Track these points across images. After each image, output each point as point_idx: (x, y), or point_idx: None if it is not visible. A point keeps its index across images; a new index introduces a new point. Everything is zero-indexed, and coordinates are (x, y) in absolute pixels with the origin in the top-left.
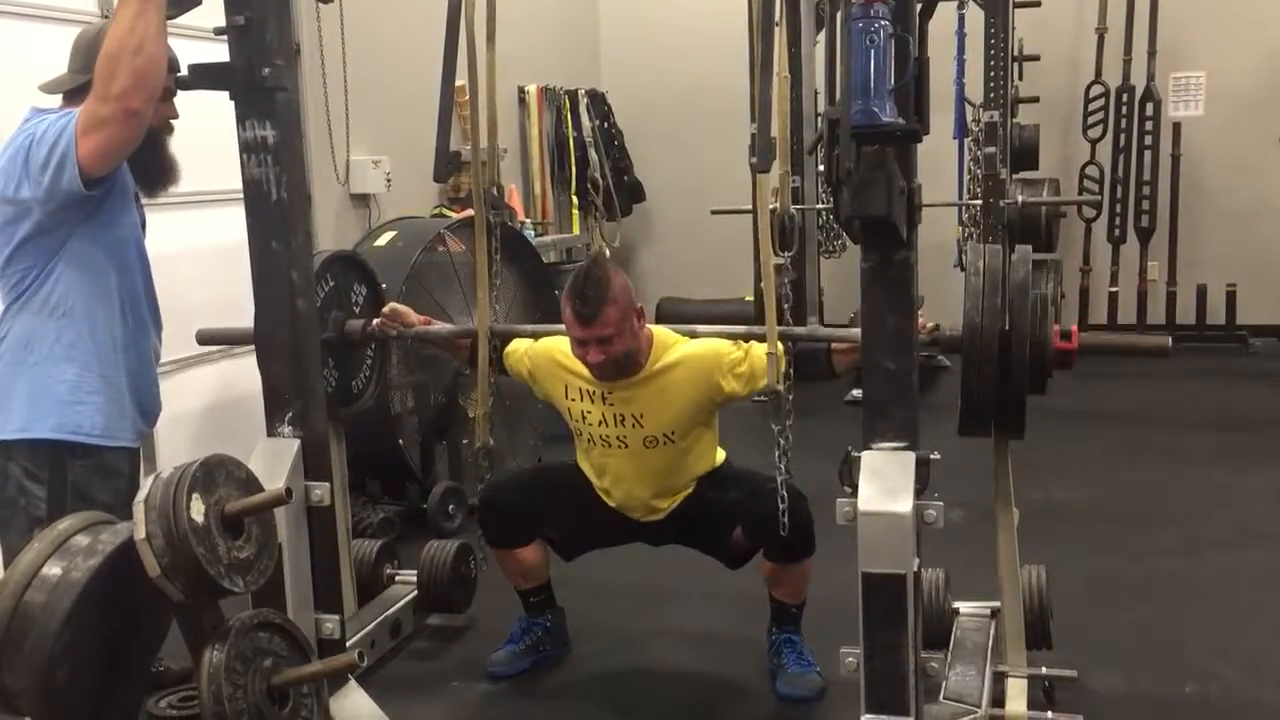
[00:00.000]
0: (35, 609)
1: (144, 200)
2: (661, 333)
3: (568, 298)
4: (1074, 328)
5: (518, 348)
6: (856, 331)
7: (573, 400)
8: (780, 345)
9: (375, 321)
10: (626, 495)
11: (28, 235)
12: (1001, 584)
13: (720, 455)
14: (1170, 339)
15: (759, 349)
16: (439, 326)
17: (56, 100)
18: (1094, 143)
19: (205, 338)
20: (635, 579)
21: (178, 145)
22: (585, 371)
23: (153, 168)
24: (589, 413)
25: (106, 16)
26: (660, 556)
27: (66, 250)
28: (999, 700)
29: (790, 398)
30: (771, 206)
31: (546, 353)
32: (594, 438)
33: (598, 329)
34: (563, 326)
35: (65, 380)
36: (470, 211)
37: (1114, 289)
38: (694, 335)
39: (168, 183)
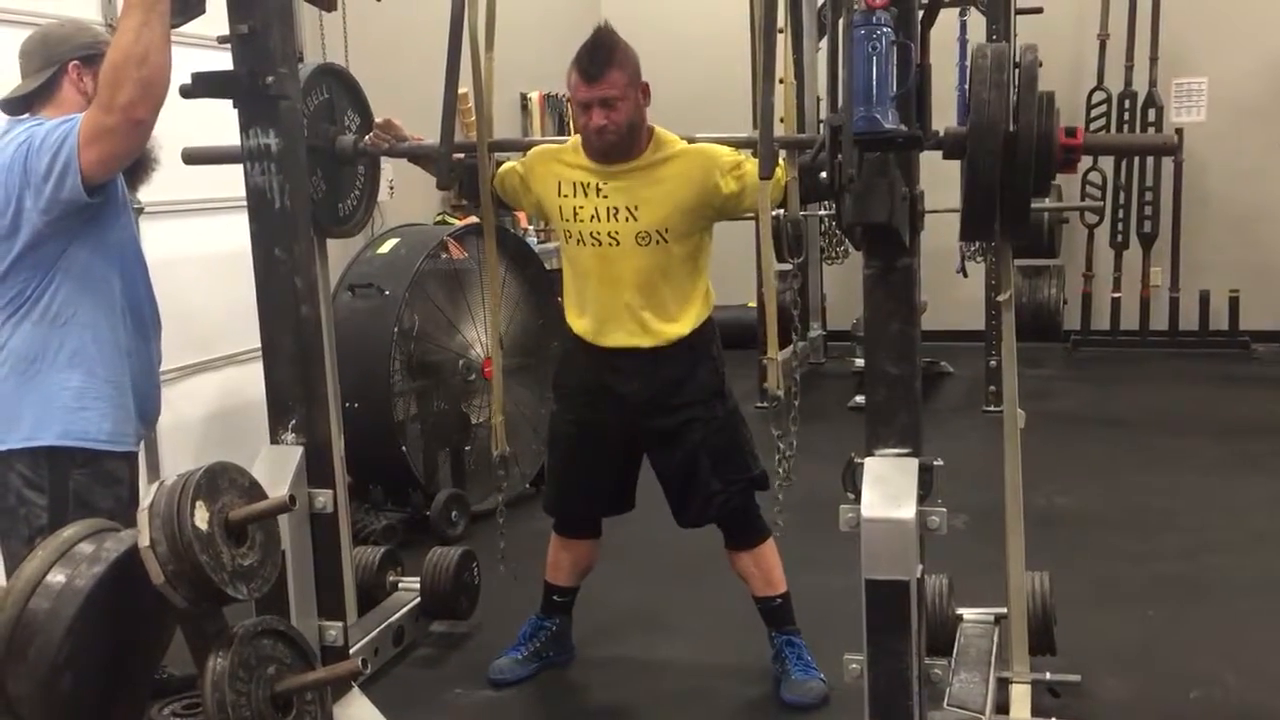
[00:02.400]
0: (39, 616)
1: (148, 208)
2: (662, 129)
3: (575, 59)
4: (1079, 128)
5: (508, 165)
6: None
7: (565, 196)
8: (779, 353)
9: (368, 136)
10: (613, 306)
11: (26, 246)
12: (1009, 591)
13: (711, 294)
14: (1176, 136)
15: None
16: (430, 142)
17: None
18: None
19: (190, 156)
20: (639, 587)
21: (178, 153)
22: (582, 161)
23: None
24: (581, 208)
25: (111, 25)
26: (662, 562)
27: (65, 259)
28: (1003, 707)
29: (796, 403)
30: (777, 213)
31: (539, 152)
32: (585, 236)
33: (604, 88)
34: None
35: (70, 387)
36: (473, 219)
37: (1117, 295)
38: (692, 141)
39: (149, 173)
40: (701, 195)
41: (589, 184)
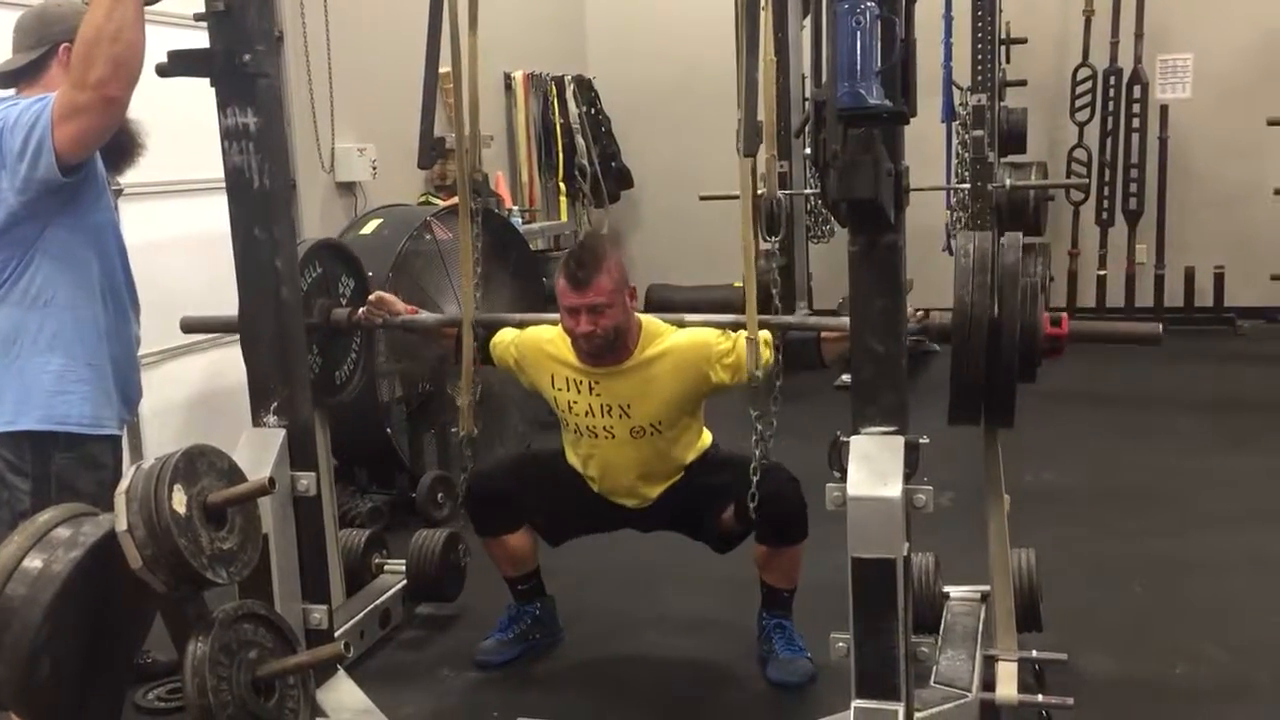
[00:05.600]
0: (16, 602)
1: (127, 189)
2: (650, 321)
3: (562, 266)
4: (1064, 315)
5: (504, 338)
6: (845, 320)
7: (559, 390)
8: (762, 334)
9: (361, 310)
10: (614, 484)
11: (3, 227)
12: (992, 569)
13: (707, 438)
14: (1161, 325)
15: (746, 342)
16: (424, 316)
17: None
18: (1081, 125)
19: (189, 325)
20: (625, 566)
21: (159, 134)
22: (573, 360)
23: (115, 145)
24: (575, 403)
25: (88, 2)
26: (650, 543)
27: (44, 240)
28: (990, 684)
29: (779, 383)
30: (760, 191)
31: (533, 342)
32: (581, 428)
33: (591, 296)
34: (550, 316)
35: (50, 370)
36: (456, 199)
37: (1102, 272)
38: (682, 325)
39: (134, 157)
40: (692, 388)
41: (581, 381)
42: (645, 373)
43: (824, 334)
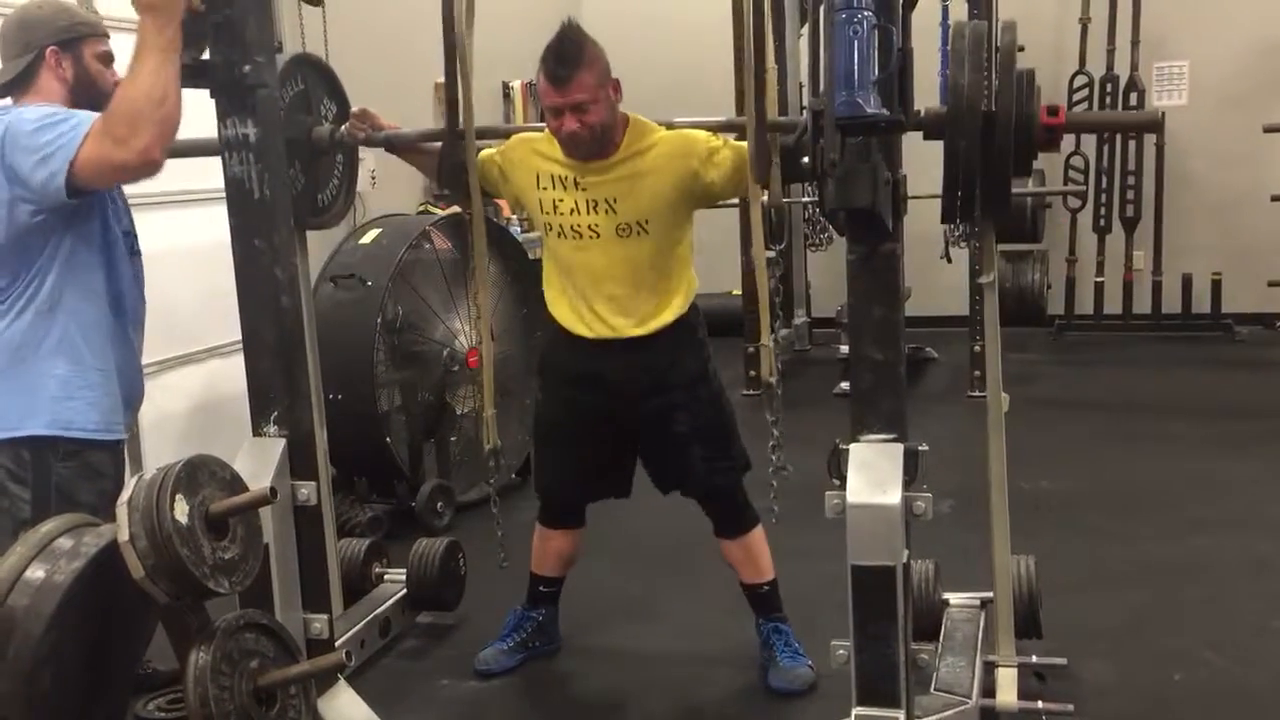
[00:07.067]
0: (18, 613)
1: (129, 201)
2: (639, 118)
3: (542, 62)
4: (1061, 106)
5: (484, 154)
6: None
7: (544, 189)
8: (770, 341)
9: (344, 126)
10: (595, 295)
11: (11, 238)
12: (995, 575)
13: (694, 282)
14: (1162, 112)
15: (737, 143)
16: (408, 131)
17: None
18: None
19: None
20: (625, 576)
21: None
22: (558, 155)
23: None
24: (561, 200)
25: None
26: (647, 548)
27: (51, 248)
28: (990, 690)
29: (779, 392)
30: (761, 199)
31: (519, 141)
32: (565, 229)
33: (574, 93)
34: (537, 126)
35: (56, 376)
36: (455, 208)
37: (1100, 279)
38: (671, 127)
39: None
40: (680, 184)
41: (567, 177)
42: (633, 166)
43: None
